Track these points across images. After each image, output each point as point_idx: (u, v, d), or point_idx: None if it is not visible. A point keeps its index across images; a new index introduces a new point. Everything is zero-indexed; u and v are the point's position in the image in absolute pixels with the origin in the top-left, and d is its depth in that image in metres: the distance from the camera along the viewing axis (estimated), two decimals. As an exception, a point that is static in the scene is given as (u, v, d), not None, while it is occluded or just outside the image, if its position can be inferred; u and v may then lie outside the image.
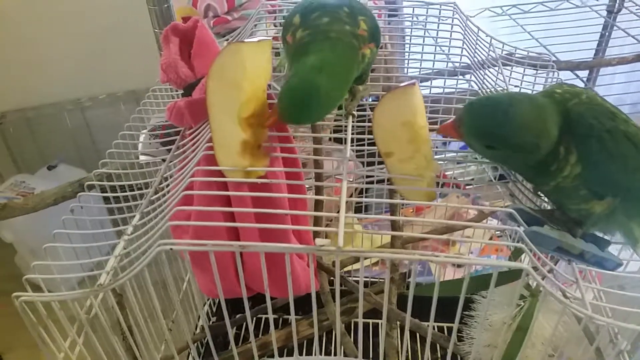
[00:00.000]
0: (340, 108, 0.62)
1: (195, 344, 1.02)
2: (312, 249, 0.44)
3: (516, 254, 0.56)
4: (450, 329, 1.09)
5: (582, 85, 1.29)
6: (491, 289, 0.44)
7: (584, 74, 1.52)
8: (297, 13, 0.58)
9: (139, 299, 0.56)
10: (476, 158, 0.57)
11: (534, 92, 0.58)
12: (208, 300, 1.11)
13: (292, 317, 0.52)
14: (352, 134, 0.58)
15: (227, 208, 0.62)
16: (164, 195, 0.57)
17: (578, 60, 1.26)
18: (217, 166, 0.53)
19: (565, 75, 1.21)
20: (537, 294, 0.57)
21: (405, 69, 1.20)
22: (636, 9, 1.34)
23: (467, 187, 1.18)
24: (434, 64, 0.82)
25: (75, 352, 0.57)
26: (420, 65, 0.86)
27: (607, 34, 1.51)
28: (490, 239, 1.25)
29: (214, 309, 1.12)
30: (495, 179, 0.97)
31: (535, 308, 0.55)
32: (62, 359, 0.55)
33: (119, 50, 1.78)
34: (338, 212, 0.48)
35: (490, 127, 0.48)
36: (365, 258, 0.46)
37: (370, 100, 0.84)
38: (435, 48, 0.81)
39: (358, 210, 1.42)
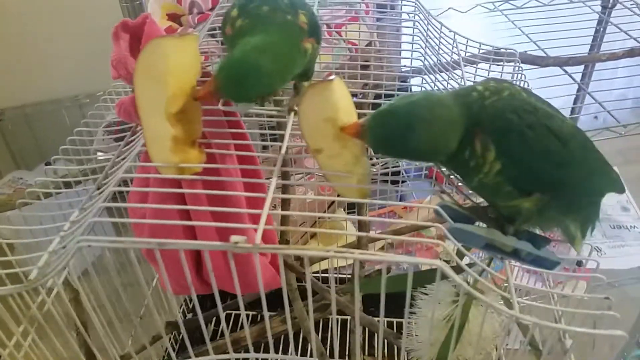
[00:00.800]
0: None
1: (170, 339, 1.03)
2: (228, 247, 0.43)
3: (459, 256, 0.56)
4: (400, 325, 1.11)
5: (571, 81, 1.26)
6: (409, 285, 0.43)
7: (578, 69, 1.50)
8: (235, 6, 0.57)
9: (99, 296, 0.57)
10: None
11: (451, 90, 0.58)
12: (184, 298, 1.12)
13: (240, 312, 0.51)
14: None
15: (172, 206, 0.62)
16: (102, 192, 0.57)
17: (569, 56, 1.24)
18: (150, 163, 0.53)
19: (556, 72, 1.20)
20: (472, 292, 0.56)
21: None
22: (631, 4, 1.32)
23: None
24: (400, 61, 0.81)
25: (22, 351, 0.57)
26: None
27: (601, 29, 1.49)
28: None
29: (190, 306, 1.12)
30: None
31: (468, 306, 0.54)
32: (6, 355, 0.56)
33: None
34: (328, 209, 0.47)
35: (385, 145, 0.49)
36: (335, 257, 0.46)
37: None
38: (400, 45, 0.80)
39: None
